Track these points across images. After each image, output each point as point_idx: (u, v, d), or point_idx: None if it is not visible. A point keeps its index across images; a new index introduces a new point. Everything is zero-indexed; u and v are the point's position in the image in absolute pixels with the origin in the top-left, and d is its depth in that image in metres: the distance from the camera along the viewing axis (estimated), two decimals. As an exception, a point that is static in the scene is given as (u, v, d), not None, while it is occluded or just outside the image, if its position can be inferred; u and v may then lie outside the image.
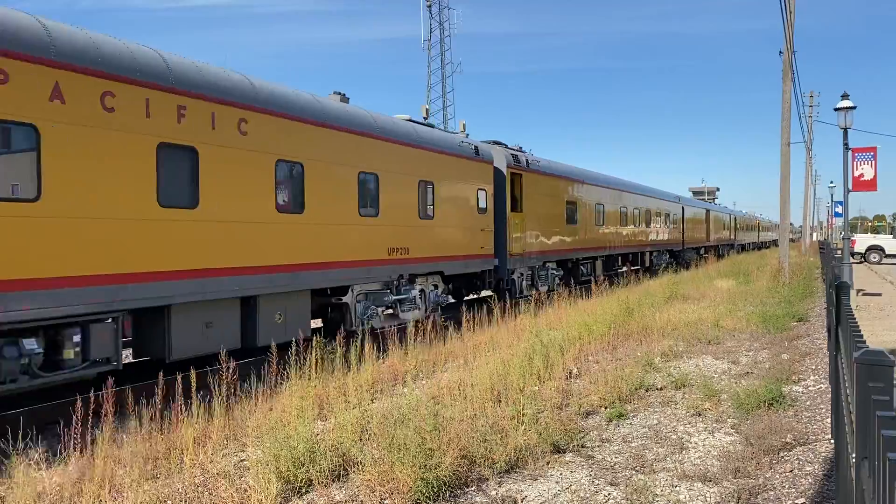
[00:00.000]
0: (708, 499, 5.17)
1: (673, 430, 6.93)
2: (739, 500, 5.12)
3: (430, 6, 53.39)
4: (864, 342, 3.28)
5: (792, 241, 43.21)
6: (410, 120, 15.32)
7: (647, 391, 8.47)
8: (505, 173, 18.35)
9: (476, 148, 17.01)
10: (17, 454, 5.76)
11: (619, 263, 28.68)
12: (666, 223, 36.14)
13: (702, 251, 46.17)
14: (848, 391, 3.14)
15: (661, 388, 8.58)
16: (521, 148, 21.09)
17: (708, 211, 48.63)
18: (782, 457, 6.09)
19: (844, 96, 21.21)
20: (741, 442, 6.48)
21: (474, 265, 16.65)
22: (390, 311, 13.83)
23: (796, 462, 5.93)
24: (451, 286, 16.97)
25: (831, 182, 62.23)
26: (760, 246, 76.93)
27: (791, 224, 26.50)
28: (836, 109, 21.47)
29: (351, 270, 12.13)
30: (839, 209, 45.10)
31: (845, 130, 21.63)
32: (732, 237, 58.95)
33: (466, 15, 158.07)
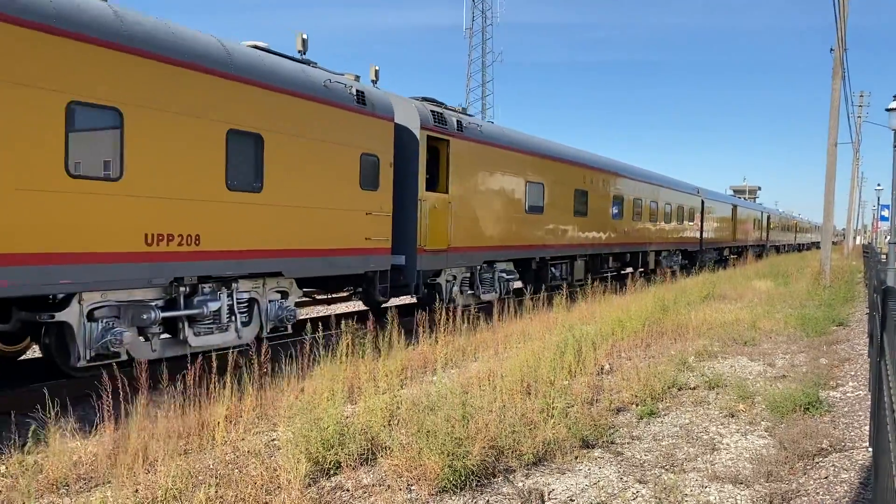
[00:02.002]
0: (738, 501, 5.09)
1: (705, 431, 6.83)
2: (771, 504, 5.03)
3: (473, -6, 53.15)
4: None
5: (834, 244, 40.10)
6: (256, 47, 10.40)
7: (679, 390, 8.36)
8: (418, 137, 13.14)
9: (360, 94, 11.73)
10: (52, 424, 5.89)
11: (610, 265, 23.56)
12: (679, 218, 30.43)
13: (725, 252, 40.85)
14: (893, 398, 3.04)
15: (693, 388, 8.46)
16: (464, 110, 16.25)
17: (735, 207, 42.39)
18: (817, 462, 5.96)
19: (896, 97, 20.59)
20: (775, 445, 6.36)
21: (350, 264, 11.61)
22: (175, 333, 9.05)
23: (832, 468, 5.80)
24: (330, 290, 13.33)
25: (878, 185, 60.57)
26: (798, 248, 72.19)
27: (833, 227, 25.64)
28: (887, 110, 20.87)
29: (44, 269, 7.18)
30: (885, 213, 43.79)
31: (896, 132, 21.02)
32: (764, 238, 53.04)
33: (510, 3, 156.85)
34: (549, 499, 5.10)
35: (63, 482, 5.28)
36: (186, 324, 8.94)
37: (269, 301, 10.27)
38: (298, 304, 12.48)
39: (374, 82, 13.03)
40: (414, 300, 14.90)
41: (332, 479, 5.39)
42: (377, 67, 12.99)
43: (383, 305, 13.96)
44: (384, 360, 8.57)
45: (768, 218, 55.21)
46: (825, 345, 11.66)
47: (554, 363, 8.30)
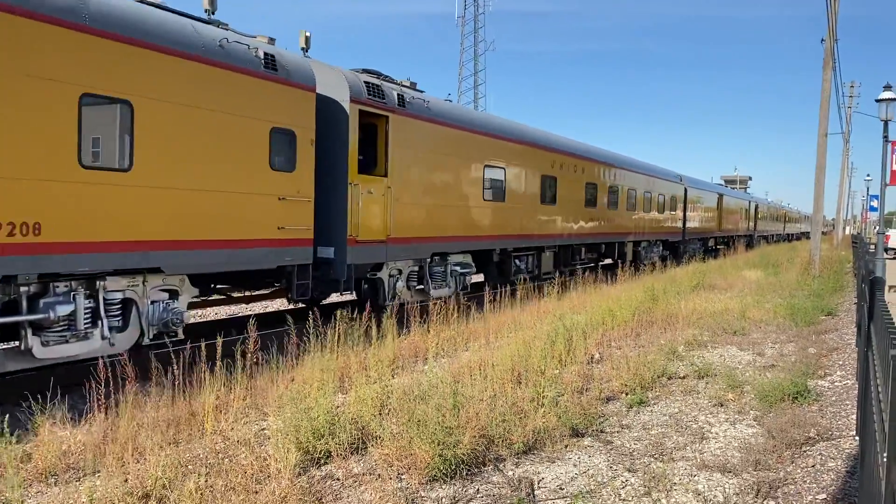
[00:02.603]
0: (727, 490, 5.13)
1: (694, 420, 6.87)
2: (759, 492, 5.07)
3: (464, -19, 52.92)
4: (898, 339, 3.19)
5: (823, 234, 39.74)
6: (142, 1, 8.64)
7: (669, 379, 8.40)
8: (348, 111, 11.28)
9: (269, 58, 9.93)
10: (42, 413, 5.87)
11: (582, 256, 21.71)
12: (660, 207, 28.52)
13: (710, 243, 39.23)
14: (880, 388, 3.06)
15: (683, 377, 8.51)
16: (412, 84, 13.95)
17: (721, 196, 40.66)
18: (805, 451, 6.01)
19: (887, 87, 20.69)
20: (763, 434, 6.40)
21: (258, 257, 9.90)
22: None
23: (819, 457, 5.85)
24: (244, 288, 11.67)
25: (868, 175, 60.89)
26: (788, 238, 71.37)
27: (823, 217, 25.55)
28: (877, 101, 20.97)
29: None
30: (874, 203, 43.99)
31: (886, 122, 21.12)
32: (752, 228, 51.42)
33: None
34: (539, 487, 5.12)
35: (52, 471, 5.26)
36: (29, 331, 7.31)
37: (152, 302, 8.67)
38: (217, 304, 12.56)
39: (305, 51, 11.34)
40: (353, 297, 13.47)
41: (323, 468, 5.39)
42: (308, 34, 11.42)
43: (324, 302, 13.02)
44: (375, 349, 8.58)
45: (756, 207, 53.68)
46: (814, 334, 11.74)
47: (544, 352, 8.32)
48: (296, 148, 10.42)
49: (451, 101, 15.64)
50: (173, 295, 9.01)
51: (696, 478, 5.35)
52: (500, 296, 13.40)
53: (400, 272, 13.17)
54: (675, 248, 31.58)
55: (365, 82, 11.98)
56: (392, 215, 12.44)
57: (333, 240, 11.38)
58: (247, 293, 12.48)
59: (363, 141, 11.98)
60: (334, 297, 14.12)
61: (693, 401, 7.54)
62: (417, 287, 13.67)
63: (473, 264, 15.56)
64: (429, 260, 13.76)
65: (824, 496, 5.04)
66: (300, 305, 12.69)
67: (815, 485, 5.26)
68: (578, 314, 12.00)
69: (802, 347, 10.52)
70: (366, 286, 12.66)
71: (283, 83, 10.18)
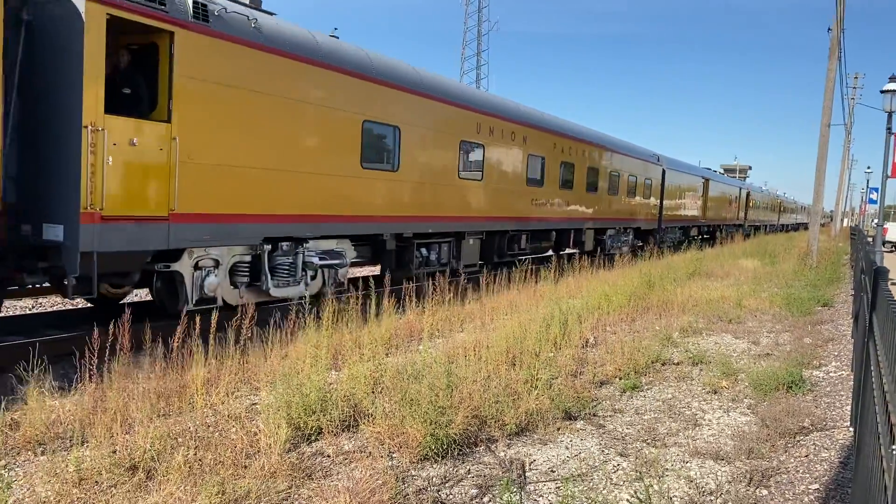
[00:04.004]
0: (719, 477, 5.10)
1: (687, 406, 6.85)
2: (752, 480, 5.04)
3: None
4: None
5: (821, 225, 39.01)
6: None
7: (663, 365, 8.37)
8: (83, 15, 7.42)
9: None
10: (32, 381, 5.81)
11: (523, 245, 17.92)
12: (630, 189, 25.00)
13: (692, 232, 35.36)
14: (884, 379, 3.01)
15: (677, 364, 8.48)
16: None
17: (707, 180, 36.82)
18: (798, 441, 5.99)
19: (893, 78, 20.55)
20: (757, 423, 6.38)
21: None
22: None
23: (812, 447, 5.83)
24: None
25: (868, 167, 60.77)
26: (783, 229, 68.54)
27: (822, 208, 25.28)
28: (882, 91, 20.83)
29: None
30: (874, 195, 43.87)
31: (890, 114, 21.01)
32: (742, 216, 47.95)
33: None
34: (530, 469, 5.09)
35: (40, 440, 5.21)
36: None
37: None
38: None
39: None
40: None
41: (313, 444, 5.35)
42: None
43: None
44: (370, 327, 8.52)
45: (748, 195, 50.18)
46: (810, 325, 11.72)
47: (540, 335, 8.28)
48: None
49: (336, 37, 11.77)
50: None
51: (689, 464, 5.32)
52: (496, 279, 13.30)
53: (216, 263, 9.39)
54: (648, 238, 28.14)
55: None
56: (179, 180, 8.54)
57: (61, 214, 7.61)
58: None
59: (128, 69, 8.51)
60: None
61: (687, 387, 7.51)
62: (252, 284, 9.98)
63: (355, 252, 11.97)
64: (268, 247, 10.03)
65: (817, 486, 5.02)
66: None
67: (808, 475, 5.23)
68: (574, 298, 11.97)
69: (798, 337, 10.50)
70: (158, 283, 9.19)
71: None
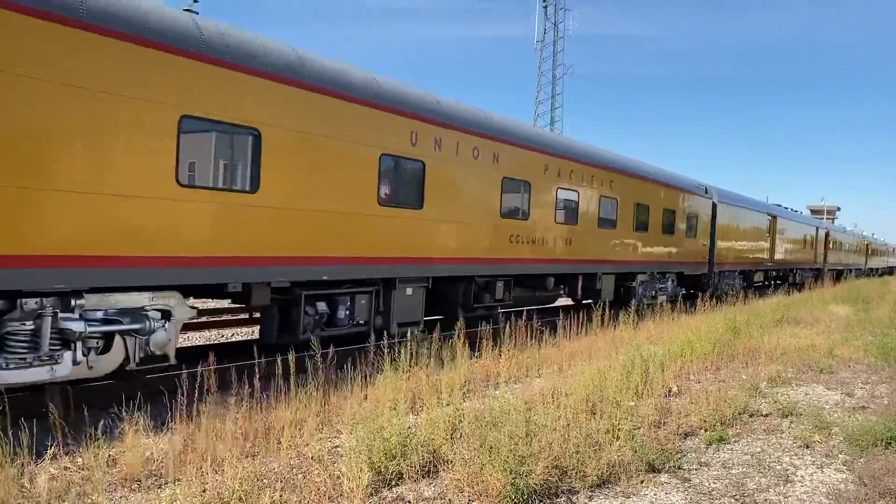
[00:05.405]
0: (814, 538, 4.86)
1: (777, 461, 6.57)
2: (850, 543, 4.78)
3: (545, 6, 53.14)
4: None
5: None
6: None
7: (750, 416, 8.07)
8: None
9: None
10: (127, 421, 6.08)
11: (498, 296, 13.81)
12: (667, 225, 20.66)
13: (756, 277, 30.10)
14: None
15: (766, 415, 8.16)
16: None
17: (774, 217, 31.57)
18: (900, 502, 5.64)
19: None
20: (854, 481, 6.06)
21: None
22: None
23: (916, 509, 5.48)
24: None
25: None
26: (869, 273, 60.93)
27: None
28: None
29: None
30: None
31: None
32: (820, 259, 41.78)
33: (583, 16, 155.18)
34: (613, 523, 4.98)
35: (135, 477, 5.44)
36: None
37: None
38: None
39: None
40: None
41: (394, 489, 5.39)
42: None
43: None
44: (447, 371, 8.56)
45: (827, 234, 45.18)
46: (909, 376, 11.08)
47: (620, 383, 8.13)
48: None
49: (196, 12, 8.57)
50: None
51: (781, 523, 5.09)
52: (573, 322, 13.11)
53: None
54: (698, 284, 24.17)
55: None
56: None
57: None
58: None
59: None
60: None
61: (776, 440, 7.21)
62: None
63: (190, 309, 8.36)
64: None
65: (923, 552, 4.71)
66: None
67: (912, 539, 4.92)
68: (655, 345, 11.71)
69: (896, 390, 9.94)
70: None
71: None
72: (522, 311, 12.80)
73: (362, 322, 10.74)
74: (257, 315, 11.92)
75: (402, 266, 11.16)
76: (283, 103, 9.06)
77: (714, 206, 24.57)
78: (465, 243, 12.56)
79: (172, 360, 8.09)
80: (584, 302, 18.28)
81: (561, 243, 15.43)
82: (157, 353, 7.86)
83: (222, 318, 15.46)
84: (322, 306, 10.06)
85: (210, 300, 13.14)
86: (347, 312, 10.46)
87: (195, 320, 12.17)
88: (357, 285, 10.65)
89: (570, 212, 15.86)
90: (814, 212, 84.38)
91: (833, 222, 73.52)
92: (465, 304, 13.06)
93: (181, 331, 8.93)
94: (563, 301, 18.47)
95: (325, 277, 9.83)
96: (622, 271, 18.35)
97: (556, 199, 15.20)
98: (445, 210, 11.99)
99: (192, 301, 9.34)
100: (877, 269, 69.36)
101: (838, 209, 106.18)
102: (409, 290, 11.52)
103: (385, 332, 9.66)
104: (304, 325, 9.78)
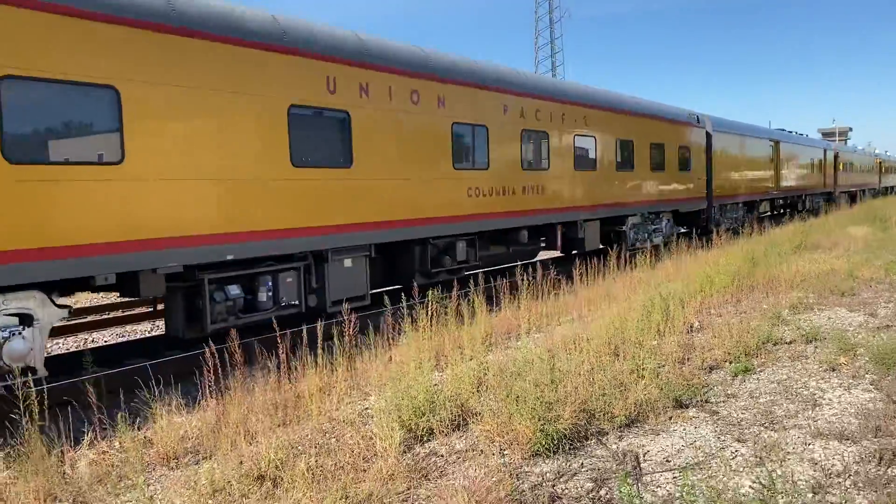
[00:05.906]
0: (846, 458, 4.89)
1: (804, 386, 6.59)
2: (882, 460, 4.81)
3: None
4: None
5: None
6: None
7: (774, 345, 8.07)
8: None
9: None
10: (157, 401, 6.18)
11: (461, 257, 12.75)
12: (655, 162, 19.46)
13: (762, 207, 29.04)
14: None
15: (790, 342, 8.16)
16: None
17: (776, 142, 30.16)
18: (930, 416, 5.66)
19: None
20: (882, 399, 6.07)
21: None
22: None
23: (946, 422, 5.49)
24: None
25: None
26: (885, 192, 58.57)
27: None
28: None
29: None
30: None
31: None
32: (830, 183, 39.99)
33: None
34: (645, 460, 5.03)
35: (173, 455, 5.56)
36: None
37: None
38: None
39: None
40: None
41: (426, 445, 5.47)
42: None
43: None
44: (468, 327, 8.60)
45: (836, 157, 42.83)
46: (932, 291, 11.02)
47: (641, 323, 8.15)
48: None
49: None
50: None
51: (812, 446, 5.13)
52: (589, 268, 13.06)
53: None
54: (696, 221, 22.86)
55: None
56: None
57: None
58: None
59: None
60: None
61: (802, 366, 7.22)
62: None
63: (58, 311, 7.33)
64: None
65: (955, 463, 4.74)
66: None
67: (943, 451, 4.94)
68: (673, 282, 11.69)
69: (920, 306, 9.90)
70: None
71: None
72: (527, 265, 12.20)
73: (292, 303, 9.59)
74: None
75: (333, 235, 9.99)
76: (147, 53, 7.75)
77: (709, 136, 23.17)
78: (412, 203, 11.34)
79: (42, 373, 6.80)
80: (573, 253, 17.23)
81: (531, 192, 14.15)
82: (14, 365, 6.27)
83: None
84: (234, 290, 8.93)
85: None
86: (270, 294, 9.32)
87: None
88: (280, 262, 9.52)
89: (539, 156, 14.53)
90: (825, 135, 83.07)
91: (846, 143, 72.04)
92: (423, 270, 12.11)
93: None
94: (552, 254, 17.53)
95: (230, 257, 8.63)
96: (608, 216, 17.10)
97: (522, 142, 13.89)
98: (382, 167, 10.73)
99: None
100: (892, 188, 67.88)
101: (850, 130, 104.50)
102: (347, 262, 10.40)
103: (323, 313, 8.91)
104: (213, 314, 8.65)
